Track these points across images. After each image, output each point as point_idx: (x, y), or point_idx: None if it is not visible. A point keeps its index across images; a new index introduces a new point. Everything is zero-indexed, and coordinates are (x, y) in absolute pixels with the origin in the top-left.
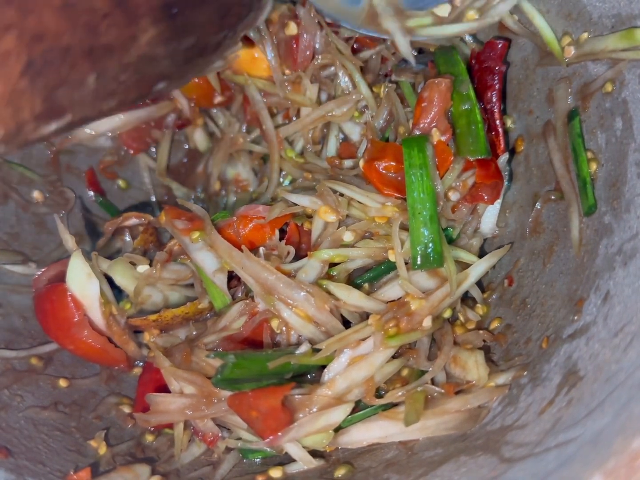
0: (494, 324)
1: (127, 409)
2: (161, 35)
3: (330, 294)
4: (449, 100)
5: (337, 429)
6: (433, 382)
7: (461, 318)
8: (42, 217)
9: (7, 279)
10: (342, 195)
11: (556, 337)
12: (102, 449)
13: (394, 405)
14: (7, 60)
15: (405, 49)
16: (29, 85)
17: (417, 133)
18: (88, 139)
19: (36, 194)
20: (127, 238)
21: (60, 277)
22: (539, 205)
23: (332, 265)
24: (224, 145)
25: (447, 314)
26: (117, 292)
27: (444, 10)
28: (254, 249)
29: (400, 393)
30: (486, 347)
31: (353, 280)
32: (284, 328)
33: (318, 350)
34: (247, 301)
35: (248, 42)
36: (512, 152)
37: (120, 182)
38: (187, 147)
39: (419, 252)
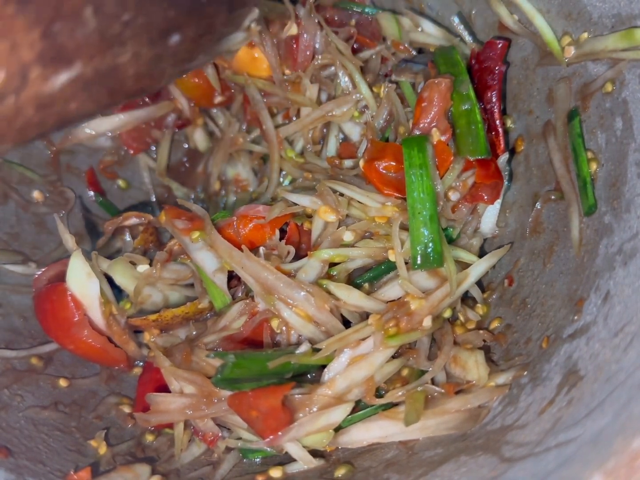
0: (494, 324)
1: (127, 409)
2: None
3: (330, 294)
4: (449, 100)
5: (337, 429)
6: (433, 382)
7: (461, 318)
8: (42, 217)
9: (7, 279)
10: (342, 195)
11: (556, 337)
12: (102, 449)
13: (394, 405)
14: None
15: None
16: (18, 10)
17: (417, 133)
18: (88, 139)
19: (36, 194)
20: (127, 238)
21: (60, 277)
22: (539, 205)
23: (332, 265)
24: (224, 145)
25: (447, 313)
26: (117, 291)
27: None
28: (254, 249)
29: (400, 393)
30: (486, 347)
31: (353, 280)
32: (284, 328)
33: (318, 350)
34: (247, 301)
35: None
36: (512, 152)
37: (120, 182)
38: (187, 147)
39: (419, 252)
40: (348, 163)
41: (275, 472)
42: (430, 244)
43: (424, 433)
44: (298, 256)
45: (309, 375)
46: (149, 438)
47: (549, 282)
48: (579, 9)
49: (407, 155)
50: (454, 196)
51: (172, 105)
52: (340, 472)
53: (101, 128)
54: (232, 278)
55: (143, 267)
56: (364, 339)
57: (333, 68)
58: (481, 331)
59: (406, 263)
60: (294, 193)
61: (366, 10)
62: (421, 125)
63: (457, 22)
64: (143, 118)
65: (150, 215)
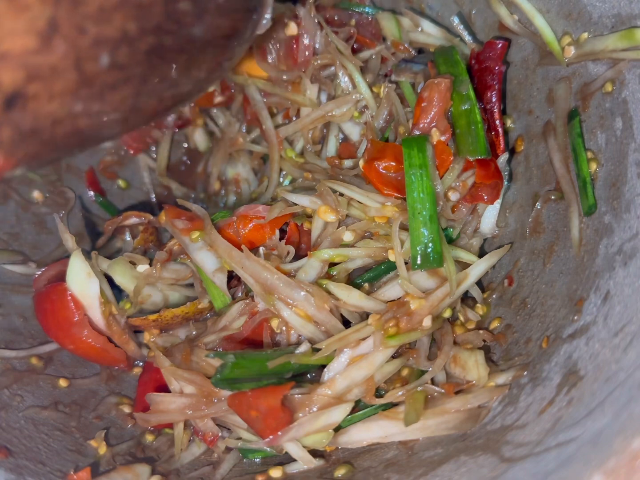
0: (494, 324)
1: (127, 409)
2: None
3: (330, 294)
4: (448, 100)
5: (337, 429)
6: (433, 382)
7: (461, 318)
8: (42, 217)
9: (7, 279)
10: (341, 195)
11: (556, 337)
12: (102, 449)
13: (394, 405)
14: None
15: None
16: None
17: (417, 133)
18: None
19: (36, 194)
20: (127, 237)
21: (60, 277)
22: (539, 205)
23: (332, 265)
24: (223, 145)
25: (447, 313)
26: (117, 291)
27: None
28: (254, 249)
29: (400, 393)
30: (486, 347)
31: (353, 280)
32: (283, 328)
33: (318, 349)
34: (247, 301)
35: None
36: (512, 152)
37: (120, 182)
38: (186, 146)
39: (419, 252)
40: (348, 163)
41: (275, 472)
42: (430, 244)
43: (423, 433)
44: (298, 256)
45: (308, 375)
46: (149, 438)
47: (549, 282)
48: (579, 9)
49: (407, 155)
50: (453, 196)
51: None
52: (340, 472)
53: None
54: (232, 278)
55: (143, 267)
56: (363, 339)
57: (333, 68)
58: (481, 331)
59: (406, 263)
60: (294, 193)
61: (366, 10)
62: (421, 125)
63: (457, 22)
64: None
65: (150, 215)
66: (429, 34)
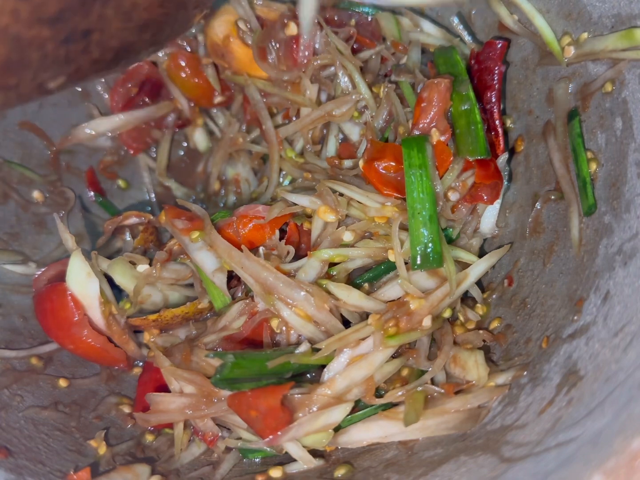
0: (494, 324)
1: (127, 409)
2: None
3: (330, 294)
4: (448, 100)
5: (337, 429)
6: (433, 382)
7: (461, 318)
8: (42, 217)
9: (7, 279)
10: (341, 195)
11: (556, 337)
12: (102, 449)
13: (394, 405)
14: None
15: None
16: None
17: (417, 133)
18: (88, 139)
19: (36, 194)
20: (127, 237)
21: (60, 277)
22: (539, 205)
23: (332, 265)
24: (223, 145)
25: (447, 313)
26: (117, 291)
27: None
28: (253, 249)
29: (400, 393)
30: (486, 347)
31: (353, 280)
32: (283, 328)
33: (318, 349)
34: (247, 301)
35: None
36: (512, 152)
37: (120, 182)
38: (186, 146)
39: (419, 252)
40: (348, 163)
41: (275, 472)
42: (430, 244)
43: (423, 433)
44: (298, 256)
45: (308, 375)
46: (149, 438)
47: (548, 282)
48: (579, 9)
49: (407, 156)
50: (453, 196)
51: (172, 105)
52: (340, 472)
53: (101, 128)
54: (232, 278)
55: (143, 267)
56: (363, 339)
57: (333, 68)
58: (481, 331)
59: (406, 263)
60: (294, 193)
61: (366, 10)
62: (421, 125)
63: (457, 22)
64: (143, 118)
65: (150, 215)
66: (429, 34)
